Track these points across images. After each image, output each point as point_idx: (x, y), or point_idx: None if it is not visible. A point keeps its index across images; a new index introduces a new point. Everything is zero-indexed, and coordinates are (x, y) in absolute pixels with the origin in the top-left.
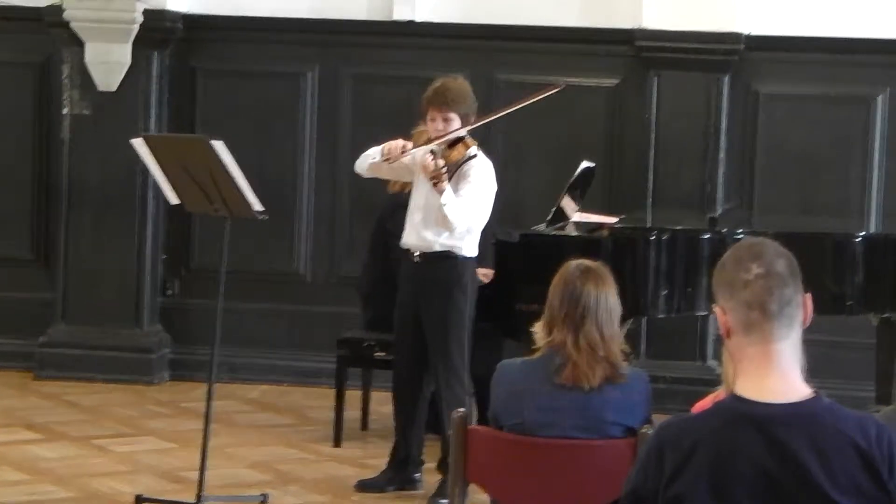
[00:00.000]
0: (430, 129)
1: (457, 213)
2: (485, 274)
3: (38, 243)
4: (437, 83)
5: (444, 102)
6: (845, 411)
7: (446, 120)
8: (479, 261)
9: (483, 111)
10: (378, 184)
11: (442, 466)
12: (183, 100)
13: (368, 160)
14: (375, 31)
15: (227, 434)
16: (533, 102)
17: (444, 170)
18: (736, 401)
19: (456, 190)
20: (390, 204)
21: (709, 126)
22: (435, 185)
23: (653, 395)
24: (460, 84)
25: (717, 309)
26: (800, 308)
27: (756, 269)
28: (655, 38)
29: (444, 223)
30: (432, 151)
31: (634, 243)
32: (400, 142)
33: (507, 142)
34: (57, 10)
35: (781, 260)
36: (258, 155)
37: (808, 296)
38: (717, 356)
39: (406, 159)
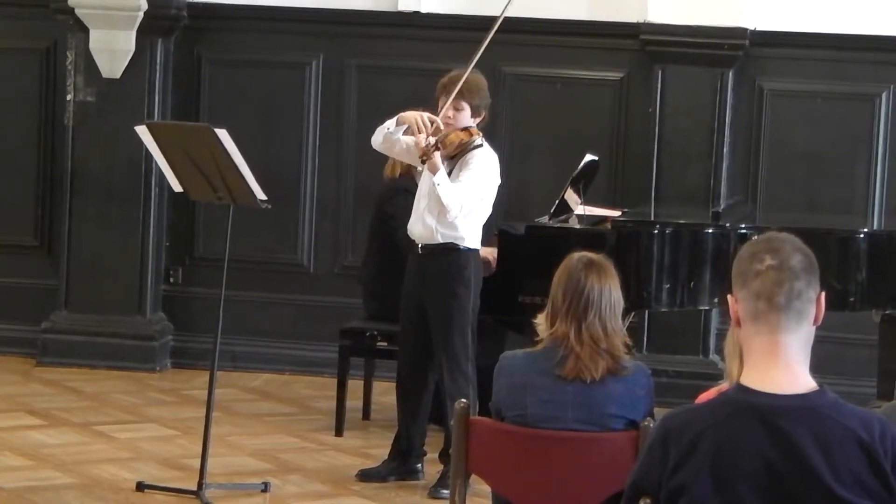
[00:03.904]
0: (440, 115)
1: (450, 195)
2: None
3: (41, 230)
4: (453, 72)
5: (457, 91)
6: (849, 407)
7: (457, 108)
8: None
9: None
10: (381, 173)
11: (443, 457)
12: (187, 88)
13: (383, 132)
14: (380, 22)
15: (229, 422)
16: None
17: (434, 147)
18: (740, 391)
19: (456, 177)
20: (388, 189)
21: (713, 121)
22: (423, 161)
23: (655, 389)
24: (475, 76)
25: (730, 298)
26: (811, 304)
27: (769, 261)
28: (661, 32)
29: (438, 206)
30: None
31: (638, 237)
32: (424, 116)
33: (512, 135)
34: None
35: (798, 255)
36: (262, 144)
37: (823, 294)
38: (719, 351)
39: (406, 143)
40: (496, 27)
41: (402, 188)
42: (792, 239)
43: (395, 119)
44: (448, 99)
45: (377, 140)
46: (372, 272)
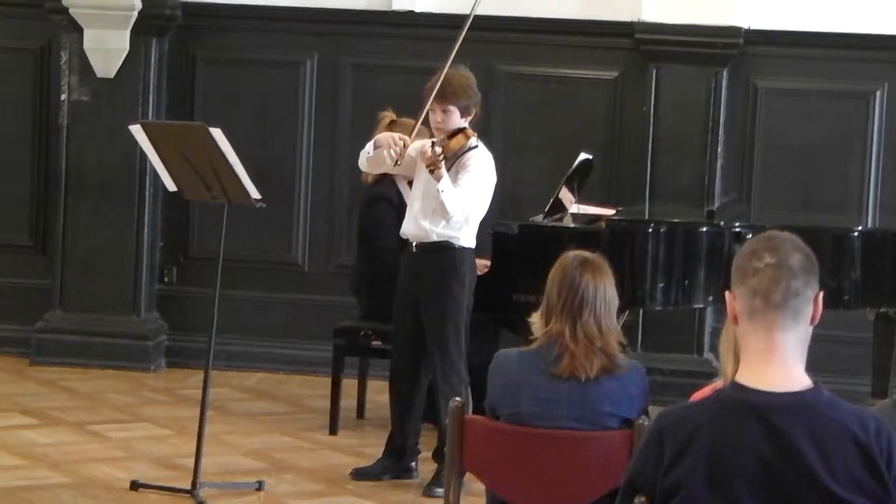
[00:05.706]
0: (430, 119)
1: (453, 201)
2: (483, 265)
3: (36, 229)
4: (437, 74)
5: (443, 95)
6: (845, 404)
7: (445, 112)
8: (476, 251)
9: (483, 103)
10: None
11: (437, 456)
12: (182, 87)
13: (365, 156)
14: (375, 21)
15: (223, 422)
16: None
17: (441, 157)
18: (735, 389)
19: (455, 180)
20: (367, 197)
21: (708, 120)
22: (431, 172)
23: (649, 388)
24: (462, 76)
25: (728, 295)
26: (809, 303)
27: (768, 259)
28: (655, 31)
29: (441, 212)
30: (432, 142)
31: (632, 235)
32: (395, 137)
33: (507, 133)
34: None
35: (797, 254)
36: (256, 143)
37: (821, 294)
38: (714, 349)
39: (411, 152)
40: (467, 25)
41: (378, 196)
42: (793, 238)
43: (372, 143)
44: (436, 104)
45: (362, 163)
46: (362, 277)
